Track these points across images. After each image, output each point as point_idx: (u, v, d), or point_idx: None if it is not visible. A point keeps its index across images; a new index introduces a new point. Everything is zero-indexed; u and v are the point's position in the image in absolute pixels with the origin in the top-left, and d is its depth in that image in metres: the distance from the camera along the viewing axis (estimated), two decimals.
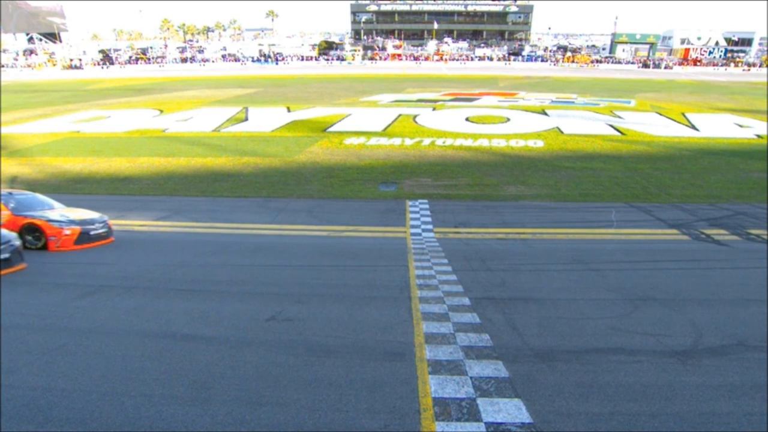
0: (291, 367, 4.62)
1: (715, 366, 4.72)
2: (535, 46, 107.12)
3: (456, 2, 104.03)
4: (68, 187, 16.56)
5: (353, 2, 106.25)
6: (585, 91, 43.40)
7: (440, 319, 5.81)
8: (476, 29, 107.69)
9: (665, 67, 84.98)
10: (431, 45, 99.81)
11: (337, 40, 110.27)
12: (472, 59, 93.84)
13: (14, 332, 5.43)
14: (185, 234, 11.92)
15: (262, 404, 3.98)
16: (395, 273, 8.13)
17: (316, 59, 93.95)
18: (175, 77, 61.99)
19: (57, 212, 10.61)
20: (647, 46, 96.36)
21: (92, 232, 10.40)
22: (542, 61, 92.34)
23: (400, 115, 29.57)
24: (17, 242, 8.33)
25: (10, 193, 11.01)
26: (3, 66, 76.36)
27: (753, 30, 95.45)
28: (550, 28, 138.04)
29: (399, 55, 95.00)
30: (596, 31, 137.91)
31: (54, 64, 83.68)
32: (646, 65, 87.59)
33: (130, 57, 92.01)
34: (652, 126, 26.65)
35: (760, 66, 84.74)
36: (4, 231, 8.33)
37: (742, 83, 57.50)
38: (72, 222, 10.24)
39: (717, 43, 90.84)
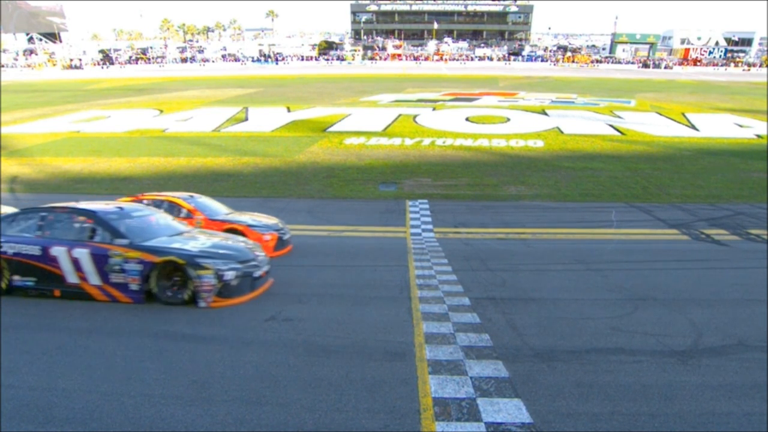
0: (291, 367, 4.62)
1: (715, 366, 4.72)
2: (535, 46, 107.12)
3: (456, 2, 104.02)
4: (68, 187, 16.56)
5: (353, 2, 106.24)
6: (585, 91, 43.39)
7: (440, 319, 5.81)
8: (476, 29, 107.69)
9: (665, 67, 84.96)
10: (431, 45, 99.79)
11: (337, 40, 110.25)
12: (472, 59, 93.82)
13: (14, 332, 5.43)
14: None
15: (262, 404, 3.97)
16: (395, 273, 8.12)
17: (316, 59, 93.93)
18: (175, 77, 61.99)
19: (247, 216, 10.13)
20: (647, 46, 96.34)
21: (285, 237, 9.92)
22: (542, 61, 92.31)
23: (400, 115, 29.57)
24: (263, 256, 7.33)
25: (192, 196, 10.45)
26: (3, 66, 76.35)
27: (753, 30, 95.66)
28: (550, 28, 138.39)
29: (399, 55, 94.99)
30: (596, 31, 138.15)
31: (54, 64, 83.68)
32: (646, 65, 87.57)
33: (130, 57, 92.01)
34: (652, 126, 26.65)
35: (760, 66, 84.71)
36: (244, 244, 7.31)
37: (742, 83, 57.50)
38: (269, 227, 9.69)
39: (717, 43, 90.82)
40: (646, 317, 6.03)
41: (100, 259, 6.28)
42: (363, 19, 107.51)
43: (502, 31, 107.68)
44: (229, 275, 6.30)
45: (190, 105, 34.82)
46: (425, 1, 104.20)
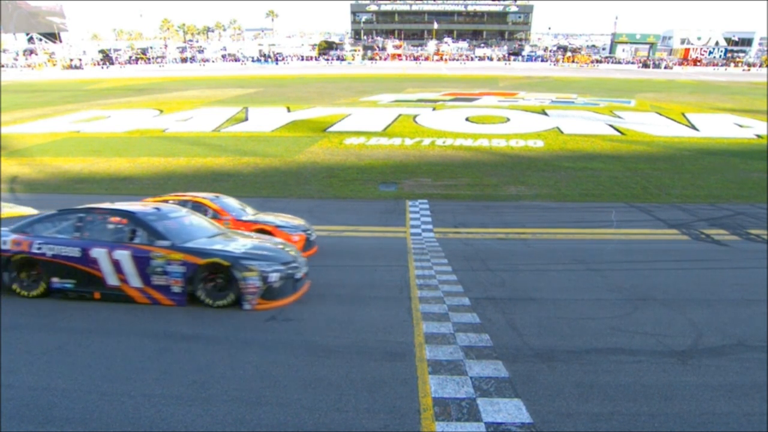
0: (291, 367, 4.62)
1: (715, 366, 4.72)
2: (535, 46, 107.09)
3: (456, 2, 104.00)
4: (68, 187, 16.56)
5: (353, 2, 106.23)
6: (585, 91, 43.39)
7: (440, 319, 5.81)
8: (476, 29, 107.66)
9: (665, 67, 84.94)
10: (431, 45, 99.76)
11: (337, 40, 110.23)
12: (472, 59, 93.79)
13: (14, 332, 5.43)
14: None
15: (262, 404, 3.97)
16: (395, 273, 8.13)
17: (316, 59, 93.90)
18: (175, 77, 61.98)
19: (273, 216, 10.04)
20: (647, 46, 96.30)
21: (311, 238, 9.76)
22: (542, 61, 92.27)
23: (400, 115, 29.57)
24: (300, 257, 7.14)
25: (218, 197, 10.29)
26: (3, 66, 76.34)
27: (753, 30, 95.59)
28: (550, 28, 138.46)
29: (399, 55, 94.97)
30: (596, 31, 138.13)
31: (54, 64, 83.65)
32: (646, 65, 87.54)
33: (130, 57, 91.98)
34: (652, 126, 26.65)
35: (760, 66, 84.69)
36: (282, 246, 7.23)
37: (742, 83, 57.49)
38: (297, 228, 9.58)
39: (717, 43, 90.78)
40: (646, 317, 6.03)
41: (142, 261, 6.19)
42: (363, 19, 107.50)
43: (502, 31, 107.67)
44: (274, 277, 6.20)
45: (190, 105, 34.82)
46: (425, 1, 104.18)
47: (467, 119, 28.44)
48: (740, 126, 27.39)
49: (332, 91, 43.46)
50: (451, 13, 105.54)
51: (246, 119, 29.41)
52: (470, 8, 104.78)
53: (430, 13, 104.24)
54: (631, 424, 3.75)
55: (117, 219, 6.54)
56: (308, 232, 9.71)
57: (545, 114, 30.45)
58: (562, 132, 25.00)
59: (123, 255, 6.22)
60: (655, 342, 5.24)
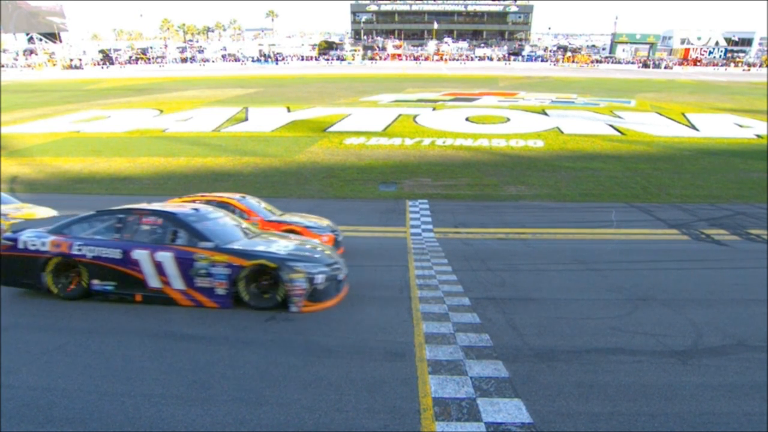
0: (291, 367, 4.62)
1: (715, 366, 4.72)
2: (535, 46, 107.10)
3: (456, 2, 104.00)
4: (68, 187, 16.56)
5: (353, 2, 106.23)
6: (585, 91, 43.40)
7: (440, 319, 5.81)
8: (476, 29, 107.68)
9: (665, 67, 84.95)
10: (431, 45, 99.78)
11: (337, 40, 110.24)
12: (472, 59, 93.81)
13: (14, 332, 5.43)
14: None
15: (262, 404, 3.97)
16: (395, 273, 8.13)
17: (316, 59, 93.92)
18: (175, 77, 61.99)
19: (299, 217, 9.93)
20: (647, 46, 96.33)
21: (339, 239, 9.62)
22: (542, 61, 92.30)
23: (400, 115, 29.58)
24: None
25: (244, 197, 10.11)
26: (3, 66, 76.35)
27: (753, 30, 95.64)
28: (550, 28, 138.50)
29: (399, 55, 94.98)
30: (596, 31, 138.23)
31: (54, 64, 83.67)
32: (646, 65, 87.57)
33: (130, 57, 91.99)
34: (652, 126, 26.66)
35: (760, 66, 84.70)
36: (322, 247, 7.18)
37: (742, 83, 57.50)
38: (325, 228, 9.46)
39: (717, 43, 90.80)
40: (646, 317, 6.03)
41: (185, 263, 6.09)
42: (363, 19, 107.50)
43: (502, 31, 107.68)
44: (320, 278, 6.13)
45: (190, 105, 34.82)
46: (425, 1, 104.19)
47: (467, 119, 28.44)
48: (740, 126, 27.39)
49: (332, 91, 43.46)
50: (451, 13, 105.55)
51: (246, 119, 29.41)
52: (470, 8, 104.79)
53: (430, 13, 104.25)
54: (631, 424, 3.75)
55: (158, 220, 6.43)
56: (336, 233, 9.61)
57: (545, 114, 30.46)
58: (562, 132, 25.00)
59: (166, 257, 6.13)
60: (655, 342, 5.24)
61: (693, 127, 26.98)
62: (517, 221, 13.00)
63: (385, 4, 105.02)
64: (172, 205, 7.10)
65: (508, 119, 28.39)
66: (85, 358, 4.82)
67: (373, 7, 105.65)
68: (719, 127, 27.05)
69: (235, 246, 6.30)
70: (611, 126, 26.66)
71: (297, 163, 19.52)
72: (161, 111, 32.50)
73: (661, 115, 30.48)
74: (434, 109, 32.55)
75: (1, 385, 4.19)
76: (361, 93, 41.56)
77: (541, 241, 11.31)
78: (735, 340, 5.32)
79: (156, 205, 6.97)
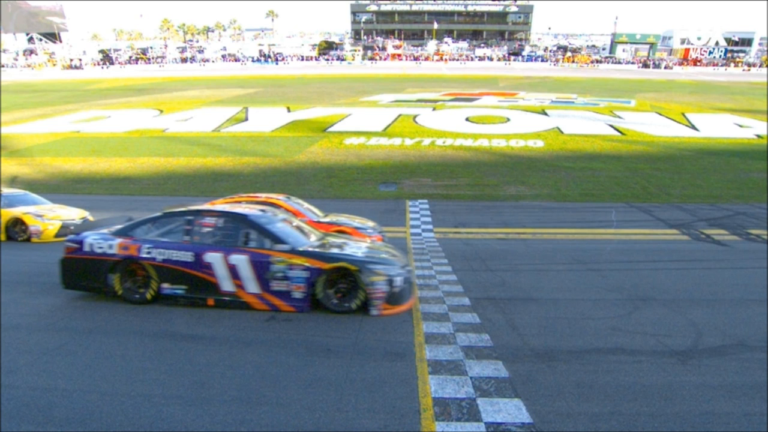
0: (291, 367, 4.62)
1: (715, 366, 4.71)
2: (535, 46, 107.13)
3: (456, 2, 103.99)
4: (68, 187, 16.57)
5: (353, 2, 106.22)
6: (585, 91, 43.40)
7: (440, 319, 5.81)
8: (476, 29, 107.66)
9: (665, 67, 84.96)
10: (431, 45, 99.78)
11: (337, 40, 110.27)
12: (472, 59, 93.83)
13: (14, 332, 5.43)
14: None
15: (262, 404, 3.97)
16: None
17: (316, 59, 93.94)
18: (175, 77, 61.99)
19: (344, 217, 9.83)
20: (647, 46, 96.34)
21: (385, 239, 9.50)
22: (542, 61, 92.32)
23: (400, 115, 29.58)
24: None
25: (289, 198, 9.94)
26: (3, 66, 76.35)
27: (753, 30, 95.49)
28: (550, 28, 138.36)
29: (399, 55, 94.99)
30: (596, 31, 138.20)
31: (54, 64, 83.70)
32: (646, 65, 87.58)
33: (130, 57, 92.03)
34: (652, 126, 26.67)
35: (760, 66, 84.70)
36: (392, 249, 7.04)
37: (742, 83, 57.49)
38: (374, 230, 9.34)
39: (717, 43, 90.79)
40: (646, 317, 6.02)
41: (261, 266, 5.90)
42: (363, 19, 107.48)
43: (502, 31, 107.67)
44: (399, 281, 5.96)
45: (190, 105, 34.83)
46: (425, 1, 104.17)
47: (467, 119, 28.44)
48: (740, 126, 27.40)
49: (332, 91, 43.46)
50: (451, 13, 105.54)
51: (246, 119, 29.42)
52: (470, 8, 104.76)
53: (430, 13, 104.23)
54: (631, 424, 3.74)
55: (230, 222, 6.26)
56: (382, 234, 9.50)
57: (545, 114, 30.46)
58: (562, 132, 25.01)
59: (240, 260, 5.93)
60: (655, 342, 5.24)
61: (693, 127, 26.98)
62: (517, 221, 13.00)
63: (385, 4, 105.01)
64: (238, 207, 6.84)
65: (508, 119, 28.39)
66: (85, 358, 4.82)
67: (373, 7, 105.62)
68: (719, 127, 27.05)
69: (313, 249, 6.13)
70: (611, 126, 26.67)
71: (297, 163, 19.52)
72: (161, 111, 32.50)
73: (661, 115, 30.48)
74: (434, 109, 32.56)
75: (1, 385, 4.19)
76: (361, 93, 41.56)
77: (541, 241, 11.31)
78: (735, 340, 5.32)
79: (224, 207, 6.75)
